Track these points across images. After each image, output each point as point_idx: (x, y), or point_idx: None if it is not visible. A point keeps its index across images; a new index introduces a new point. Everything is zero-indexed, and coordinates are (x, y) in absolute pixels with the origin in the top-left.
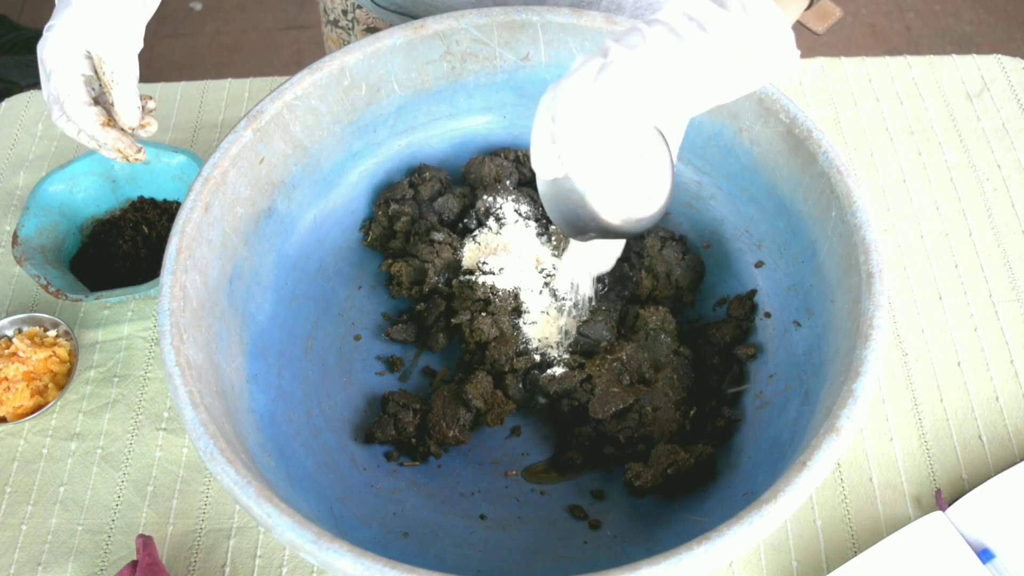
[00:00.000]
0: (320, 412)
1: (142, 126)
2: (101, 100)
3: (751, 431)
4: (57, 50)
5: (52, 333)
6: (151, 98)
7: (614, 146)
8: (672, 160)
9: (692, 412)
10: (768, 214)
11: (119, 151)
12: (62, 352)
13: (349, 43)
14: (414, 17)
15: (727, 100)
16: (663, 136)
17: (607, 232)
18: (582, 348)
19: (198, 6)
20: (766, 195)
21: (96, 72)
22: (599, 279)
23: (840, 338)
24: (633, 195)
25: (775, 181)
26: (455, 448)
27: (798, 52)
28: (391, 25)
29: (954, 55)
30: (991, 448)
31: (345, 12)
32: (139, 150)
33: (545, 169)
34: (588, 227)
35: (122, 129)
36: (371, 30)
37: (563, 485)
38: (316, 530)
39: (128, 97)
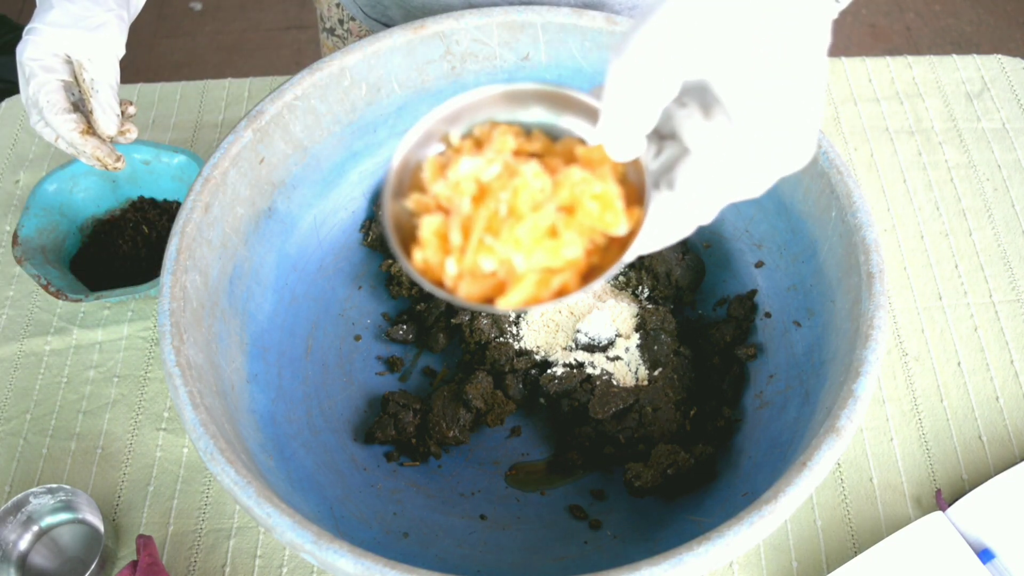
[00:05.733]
0: (320, 412)
1: (121, 133)
2: (80, 106)
3: (751, 431)
4: (37, 54)
5: None
6: (131, 103)
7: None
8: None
9: (692, 412)
10: (768, 214)
11: (98, 159)
12: None
13: None
14: None
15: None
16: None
17: None
18: (582, 346)
19: (198, 6)
20: (766, 195)
21: (76, 78)
22: None
23: (840, 338)
24: None
25: None
26: (455, 448)
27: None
28: None
29: (954, 55)
30: (991, 448)
31: (341, 22)
32: (118, 158)
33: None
34: None
35: (101, 137)
36: None
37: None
38: (316, 530)
39: (107, 105)
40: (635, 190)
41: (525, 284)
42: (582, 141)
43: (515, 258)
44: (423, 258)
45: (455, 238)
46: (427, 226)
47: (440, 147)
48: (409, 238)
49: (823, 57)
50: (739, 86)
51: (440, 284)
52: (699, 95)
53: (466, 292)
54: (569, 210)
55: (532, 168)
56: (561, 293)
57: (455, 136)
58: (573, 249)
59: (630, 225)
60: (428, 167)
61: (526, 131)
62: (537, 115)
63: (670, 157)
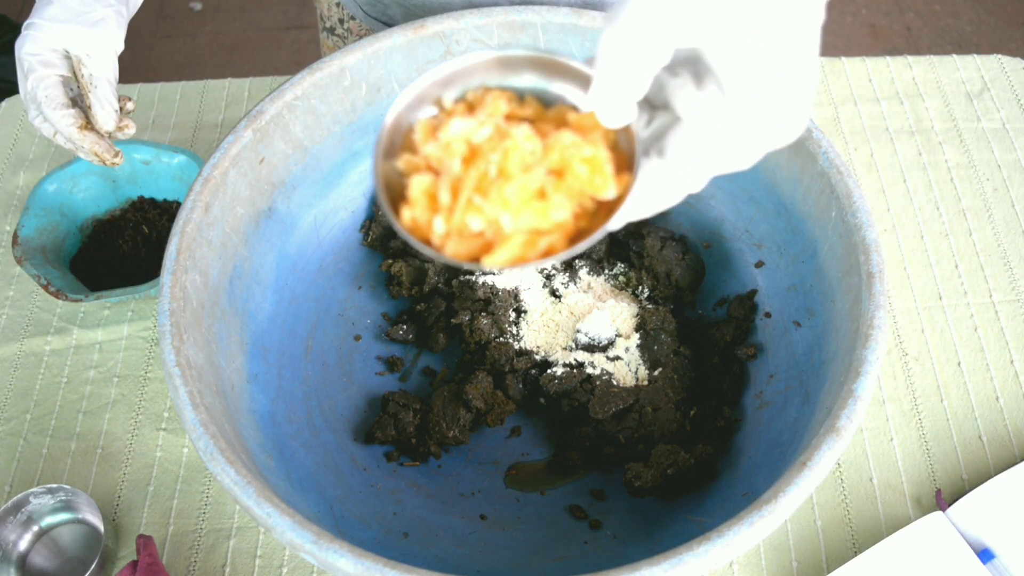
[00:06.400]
0: (320, 412)
1: (120, 129)
2: (79, 102)
3: (751, 431)
4: (36, 49)
5: None
6: (130, 99)
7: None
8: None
9: (692, 412)
10: (768, 214)
11: (96, 154)
12: None
13: None
14: None
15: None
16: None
17: None
18: (582, 346)
19: (198, 6)
20: (766, 195)
21: (75, 73)
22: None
23: (840, 338)
24: None
25: (775, 181)
26: (455, 448)
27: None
28: None
29: (954, 55)
30: (991, 448)
31: (341, 21)
32: (116, 154)
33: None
34: None
35: (99, 132)
36: None
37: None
38: (316, 530)
39: (106, 100)
40: (625, 157)
41: (512, 244)
42: (574, 108)
43: (503, 218)
44: (412, 216)
45: (444, 197)
46: (416, 185)
47: (433, 110)
48: (399, 198)
49: (817, 32)
50: (732, 56)
51: (428, 243)
52: (691, 65)
53: (453, 251)
54: (559, 173)
55: (523, 131)
56: (547, 254)
57: (448, 100)
58: (561, 211)
59: (618, 190)
60: (420, 129)
61: (519, 97)
62: (530, 81)
63: (661, 126)
